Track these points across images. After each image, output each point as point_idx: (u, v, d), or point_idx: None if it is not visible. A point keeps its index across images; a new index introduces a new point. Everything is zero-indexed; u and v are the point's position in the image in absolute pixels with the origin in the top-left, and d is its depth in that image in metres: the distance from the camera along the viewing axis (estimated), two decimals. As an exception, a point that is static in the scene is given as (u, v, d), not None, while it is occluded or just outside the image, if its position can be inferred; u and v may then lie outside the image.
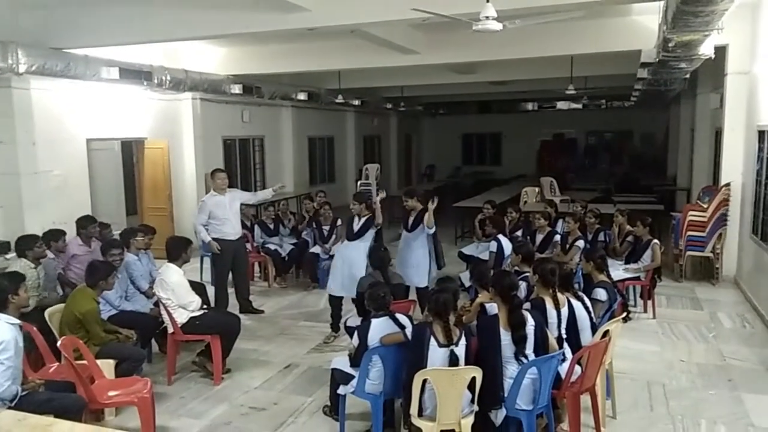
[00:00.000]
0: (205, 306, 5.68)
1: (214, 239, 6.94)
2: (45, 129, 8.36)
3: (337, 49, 9.96)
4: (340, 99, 13.91)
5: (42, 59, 7.48)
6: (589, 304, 4.58)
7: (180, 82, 9.79)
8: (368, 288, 4.49)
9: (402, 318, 4.31)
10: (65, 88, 8.64)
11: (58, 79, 8.03)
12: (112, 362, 4.67)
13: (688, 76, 9.24)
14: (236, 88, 11.07)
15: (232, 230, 7.05)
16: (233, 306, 7.24)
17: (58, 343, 4.29)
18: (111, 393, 4.33)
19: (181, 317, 5.34)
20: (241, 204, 7.47)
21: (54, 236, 6.31)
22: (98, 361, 4.55)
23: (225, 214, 6.95)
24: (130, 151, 11.12)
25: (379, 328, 4.18)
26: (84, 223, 6.65)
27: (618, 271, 6.95)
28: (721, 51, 7.98)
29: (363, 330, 4.23)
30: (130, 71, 8.77)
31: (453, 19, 5.54)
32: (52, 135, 8.51)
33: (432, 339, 3.78)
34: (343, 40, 9.47)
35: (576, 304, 4.44)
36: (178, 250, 5.51)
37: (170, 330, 5.39)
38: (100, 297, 5.08)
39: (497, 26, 5.30)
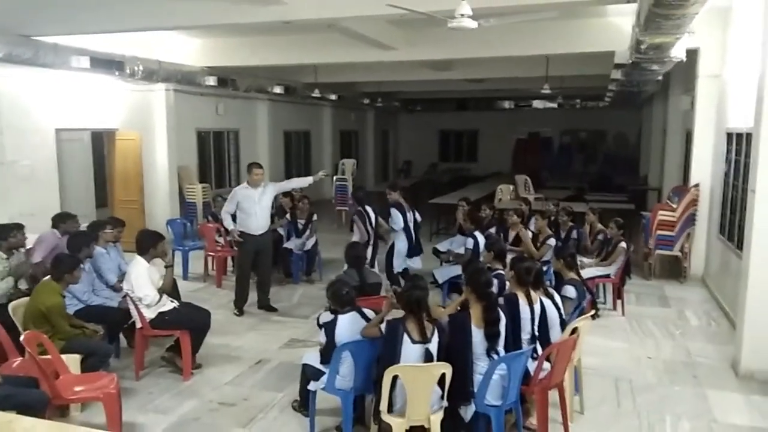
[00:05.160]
0: (173, 301, 5.60)
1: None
2: (12, 118, 8.17)
3: (314, 43, 9.90)
4: (316, 93, 13.83)
5: (9, 47, 7.31)
6: (559, 301, 4.64)
7: (153, 72, 9.62)
8: (330, 286, 4.45)
9: (369, 313, 4.30)
10: (34, 76, 8.45)
11: (26, 67, 7.84)
12: (77, 357, 4.57)
13: (660, 78, 9.38)
14: (211, 80, 10.92)
15: (257, 225, 6.94)
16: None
17: (22, 338, 4.20)
18: (76, 388, 4.26)
19: (150, 312, 5.27)
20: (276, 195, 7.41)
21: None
22: (63, 356, 4.46)
23: (252, 208, 6.87)
24: (101, 142, 10.92)
25: (347, 323, 4.18)
26: (64, 219, 6.31)
27: (589, 268, 7.03)
28: (692, 54, 8.12)
29: (329, 327, 4.21)
30: (101, 60, 8.60)
31: (429, 16, 5.54)
32: (19, 124, 8.33)
33: (405, 335, 3.79)
34: (320, 34, 9.41)
35: (546, 301, 4.49)
36: (146, 243, 5.40)
37: (138, 325, 5.31)
38: (66, 291, 4.98)
39: (472, 24, 5.31)
